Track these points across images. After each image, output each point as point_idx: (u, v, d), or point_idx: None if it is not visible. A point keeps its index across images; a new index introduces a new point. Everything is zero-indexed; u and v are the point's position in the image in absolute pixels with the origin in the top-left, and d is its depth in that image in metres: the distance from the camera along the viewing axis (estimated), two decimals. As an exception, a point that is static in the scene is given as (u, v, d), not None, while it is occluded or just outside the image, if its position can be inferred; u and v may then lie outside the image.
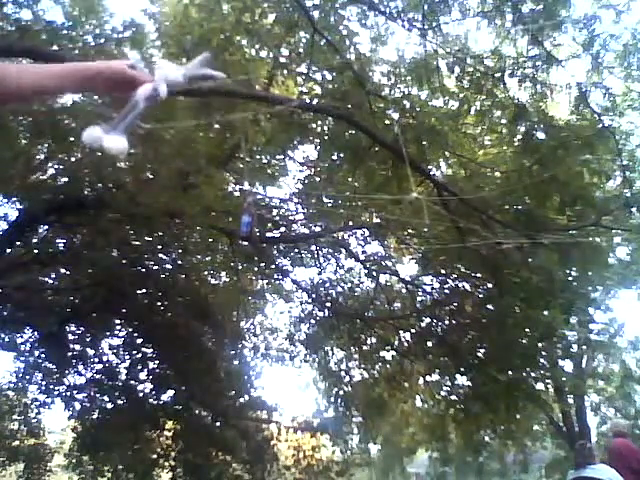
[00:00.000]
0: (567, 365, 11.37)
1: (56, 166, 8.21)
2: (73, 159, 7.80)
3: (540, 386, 8.84)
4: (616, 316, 13.15)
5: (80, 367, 10.68)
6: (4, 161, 6.76)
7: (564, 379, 9.69)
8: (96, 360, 10.78)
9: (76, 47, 6.64)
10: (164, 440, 11.20)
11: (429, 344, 9.38)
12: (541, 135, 6.60)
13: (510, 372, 8.03)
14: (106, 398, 10.94)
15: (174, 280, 9.44)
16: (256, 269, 10.02)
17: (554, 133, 6.39)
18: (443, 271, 8.94)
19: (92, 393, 10.78)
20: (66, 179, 8.00)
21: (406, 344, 9.91)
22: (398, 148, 5.49)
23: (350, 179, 7.78)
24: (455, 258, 7.99)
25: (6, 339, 10.20)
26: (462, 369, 8.87)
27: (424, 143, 6.41)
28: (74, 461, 11.43)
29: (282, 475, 11.69)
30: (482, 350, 8.79)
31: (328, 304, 10.00)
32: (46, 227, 8.90)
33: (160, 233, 8.51)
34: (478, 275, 8.37)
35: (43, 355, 10.46)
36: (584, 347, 11.57)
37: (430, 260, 8.91)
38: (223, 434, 10.68)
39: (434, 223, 6.73)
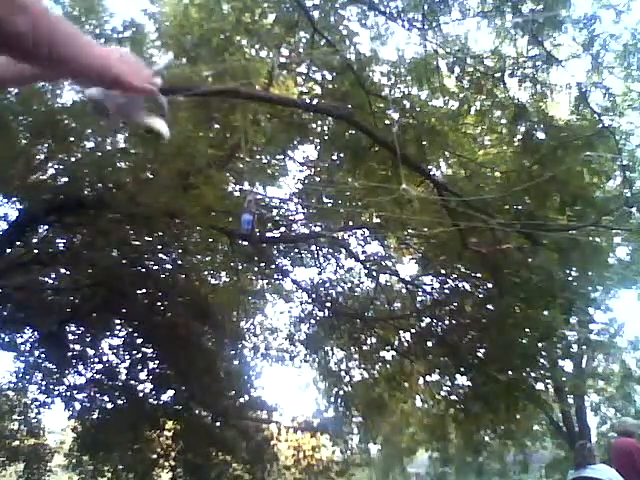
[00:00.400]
0: (567, 365, 11.36)
1: (56, 166, 8.20)
2: (73, 159, 7.80)
3: (540, 386, 8.83)
4: (616, 316, 13.11)
5: (80, 367, 10.68)
6: (4, 161, 6.76)
7: (564, 379, 9.68)
8: (96, 360, 10.78)
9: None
10: (164, 440, 11.21)
11: (429, 344, 9.38)
12: (541, 135, 6.61)
13: (510, 372, 8.03)
14: (106, 398, 10.94)
15: (174, 280, 9.44)
16: (256, 269, 10.02)
17: (554, 133, 6.39)
18: (443, 271, 8.94)
19: (92, 393, 10.79)
20: (66, 179, 7.99)
21: (406, 344, 9.91)
22: (395, 148, 5.49)
23: (350, 179, 7.78)
24: (455, 258, 7.99)
25: (6, 339, 10.20)
26: (462, 369, 8.87)
27: (424, 143, 6.41)
28: (74, 461, 11.43)
29: (282, 475, 11.70)
30: (482, 350, 8.79)
31: (328, 304, 10.00)
32: (46, 227, 8.89)
33: (160, 233, 8.51)
34: (478, 275, 8.36)
35: (43, 355, 10.46)
36: (584, 347, 11.54)
37: (430, 260, 8.92)
38: (223, 434, 10.68)
39: (434, 223, 6.73)
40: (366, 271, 9.86)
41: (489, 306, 8.48)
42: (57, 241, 9.32)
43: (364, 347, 10.54)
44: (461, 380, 9.33)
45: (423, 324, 9.44)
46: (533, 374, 8.33)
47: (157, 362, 10.75)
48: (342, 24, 6.27)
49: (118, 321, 10.43)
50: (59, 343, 9.91)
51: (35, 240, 9.02)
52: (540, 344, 7.92)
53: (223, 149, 7.52)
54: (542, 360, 8.23)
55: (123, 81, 1.00)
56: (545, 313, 7.45)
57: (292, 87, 7.66)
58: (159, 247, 9.10)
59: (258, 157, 7.88)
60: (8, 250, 8.08)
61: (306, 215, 8.73)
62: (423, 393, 10.72)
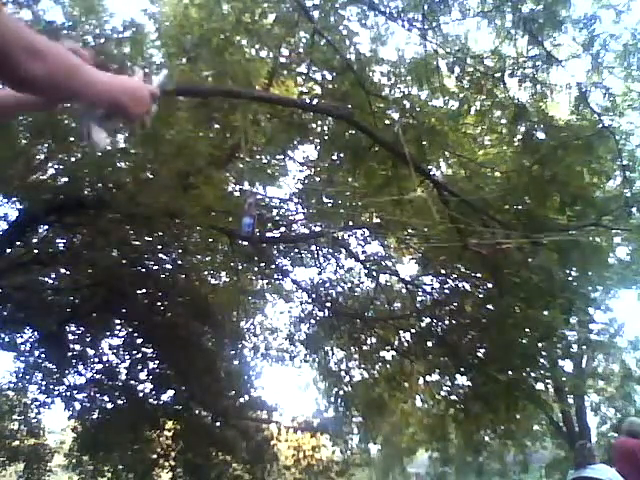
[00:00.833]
0: (567, 365, 11.36)
1: (56, 166, 8.21)
2: (73, 159, 7.79)
3: (540, 386, 8.83)
4: (616, 316, 13.12)
5: (80, 367, 10.69)
6: (4, 161, 6.76)
7: (564, 379, 9.69)
8: (96, 360, 10.79)
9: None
10: (164, 440, 11.21)
11: (429, 344, 9.37)
12: (541, 135, 6.60)
13: (510, 372, 8.02)
14: (106, 398, 10.94)
15: (174, 280, 9.44)
16: (256, 269, 10.02)
17: (554, 133, 6.39)
18: (443, 271, 8.94)
19: (92, 393, 10.79)
20: (66, 179, 8.00)
21: (406, 344, 9.91)
22: (398, 148, 5.49)
23: (350, 179, 7.78)
24: (455, 258, 7.99)
25: (6, 339, 10.20)
26: (462, 369, 8.87)
27: (424, 143, 6.40)
28: (74, 461, 11.44)
29: (282, 475, 11.70)
30: (482, 350, 8.79)
31: (328, 304, 10.00)
32: (46, 227, 8.90)
33: (160, 233, 8.51)
34: (478, 275, 8.36)
35: (43, 355, 10.47)
36: (584, 347, 11.54)
37: (430, 260, 8.91)
38: (223, 434, 10.69)
39: (434, 223, 6.73)
40: (366, 271, 9.86)
41: (489, 306, 8.48)
42: (57, 241, 9.32)
43: (364, 347, 10.54)
44: (461, 380, 9.34)
45: (423, 324, 9.43)
46: (533, 374, 8.33)
47: (157, 362, 10.75)
48: (342, 24, 6.26)
49: (118, 321, 10.43)
50: (59, 343, 9.91)
51: (35, 240, 9.02)
52: (540, 344, 7.91)
53: (223, 149, 7.52)
54: (542, 360, 8.23)
55: (124, 111, 1.06)
56: (545, 313, 7.44)
57: (292, 87, 7.66)
58: (159, 247, 9.10)
59: (258, 157, 7.88)
60: (8, 250, 8.08)
61: (306, 215, 8.72)
62: (423, 393, 10.72)
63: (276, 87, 7.40)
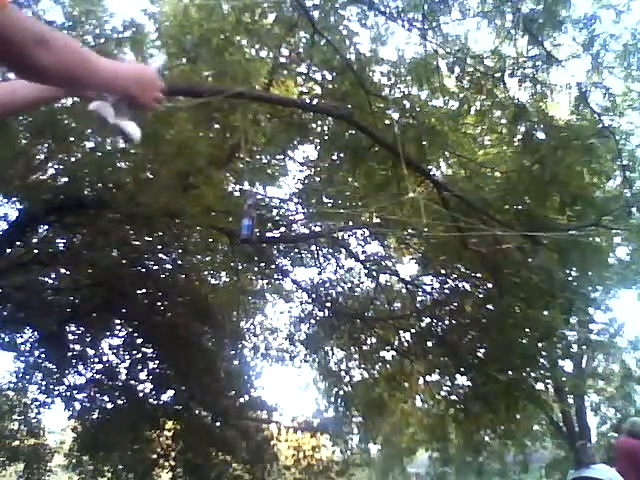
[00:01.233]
0: (567, 365, 11.36)
1: (56, 166, 8.21)
2: (73, 159, 7.80)
3: (540, 386, 8.83)
4: (616, 316, 13.10)
5: (80, 367, 10.69)
6: (4, 161, 6.75)
7: (564, 379, 9.68)
8: (96, 360, 10.79)
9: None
10: (164, 440, 11.21)
11: (429, 344, 9.37)
12: (541, 135, 6.60)
13: (510, 372, 8.02)
14: (106, 398, 10.94)
15: (174, 280, 9.44)
16: (256, 269, 10.02)
17: (554, 133, 6.39)
18: (443, 271, 8.94)
19: (92, 393, 10.79)
20: (66, 179, 7.99)
21: (406, 344, 9.91)
22: (398, 148, 5.49)
23: (350, 179, 7.78)
24: (455, 258, 7.99)
25: (6, 339, 10.20)
26: (462, 369, 8.87)
27: (424, 143, 6.40)
28: (74, 461, 11.44)
29: (282, 475, 11.70)
30: (482, 350, 8.79)
31: (328, 304, 10.00)
32: (46, 227, 8.90)
33: (160, 233, 8.51)
34: (478, 275, 8.36)
35: (43, 355, 10.46)
36: (584, 347, 11.54)
37: (430, 260, 8.91)
38: (223, 434, 10.69)
39: (434, 223, 6.73)
40: (366, 271, 9.86)
41: (489, 306, 8.48)
42: (57, 241, 9.32)
43: (364, 347, 10.54)
44: (461, 380, 9.34)
45: (423, 324, 9.43)
46: (533, 374, 8.33)
47: (157, 362, 10.75)
48: (342, 24, 6.26)
49: (118, 321, 10.43)
50: (59, 343, 9.91)
51: (35, 240, 9.02)
52: (540, 344, 7.91)
53: (223, 149, 7.52)
54: (542, 360, 8.22)
55: (133, 99, 1.09)
56: (545, 313, 7.44)
57: (292, 87, 7.66)
58: (159, 247, 9.10)
59: (258, 157, 7.88)
60: (8, 250, 8.08)
61: (306, 215, 8.72)
62: (423, 393, 10.72)
63: (276, 87, 7.40)
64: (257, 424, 11.59)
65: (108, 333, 10.61)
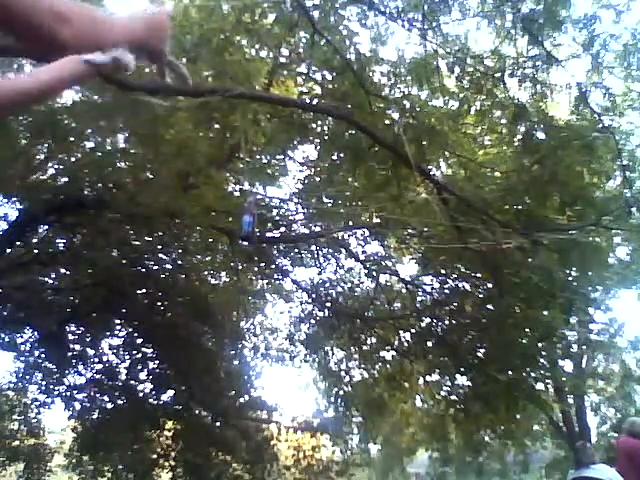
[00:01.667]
0: (567, 365, 11.37)
1: (56, 166, 8.21)
2: (73, 159, 7.80)
3: (540, 386, 8.83)
4: (616, 316, 13.10)
5: (80, 367, 10.69)
6: (4, 161, 6.76)
7: (564, 379, 9.69)
8: (96, 360, 10.79)
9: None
10: (164, 440, 11.21)
11: (429, 344, 9.37)
12: (541, 135, 6.60)
13: (510, 372, 8.02)
14: (106, 398, 10.94)
15: (174, 280, 9.44)
16: (256, 269, 10.02)
17: (554, 133, 6.39)
18: (443, 271, 8.94)
19: (92, 393, 10.79)
20: (66, 179, 8.00)
21: (406, 344, 9.90)
22: (398, 148, 5.49)
23: (350, 179, 7.78)
24: (455, 258, 7.99)
25: (6, 339, 10.20)
26: (462, 369, 8.87)
27: (424, 143, 6.40)
28: (74, 461, 11.43)
29: (282, 475, 11.70)
30: (482, 350, 8.79)
31: (328, 304, 10.00)
32: (46, 227, 8.90)
33: (160, 233, 8.52)
34: (478, 275, 8.36)
35: (43, 355, 10.47)
36: (584, 347, 11.56)
37: (430, 260, 8.91)
38: (223, 434, 10.68)
39: (434, 223, 6.73)
40: (366, 271, 9.86)
41: (489, 306, 8.48)
42: (57, 241, 9.33)
43: (364, 347, 10.54)
44: (461, 380, 9.34)
45: (423, 324, 9.43)
46: (533, 374, 8.33)
47: (157, 362, 10.75)
48: (342, 24, 6.26)
49: (118, 321, 10.43)
50: (59, 343, 9.91)
51: (35, 240, 9.02)
52: (540, 344, 7.91)
53: (223, 149, 7.52)
54: (542, 360, 8.23)
55: (145, 50, 1.04)
56: (545, 313, 7.44)
57: (292, 87, 7.66)
58: (159, 247, 9.10)
59: (258, 157, 7.88)
60: (8, 250, 8.09)
61: (306, 215, 8.73)
62: (423, 393, 10.72)
63: (276, 87, 7.40)
64: (257, 424, 11.59)
65: (108, 333, 10.61)
